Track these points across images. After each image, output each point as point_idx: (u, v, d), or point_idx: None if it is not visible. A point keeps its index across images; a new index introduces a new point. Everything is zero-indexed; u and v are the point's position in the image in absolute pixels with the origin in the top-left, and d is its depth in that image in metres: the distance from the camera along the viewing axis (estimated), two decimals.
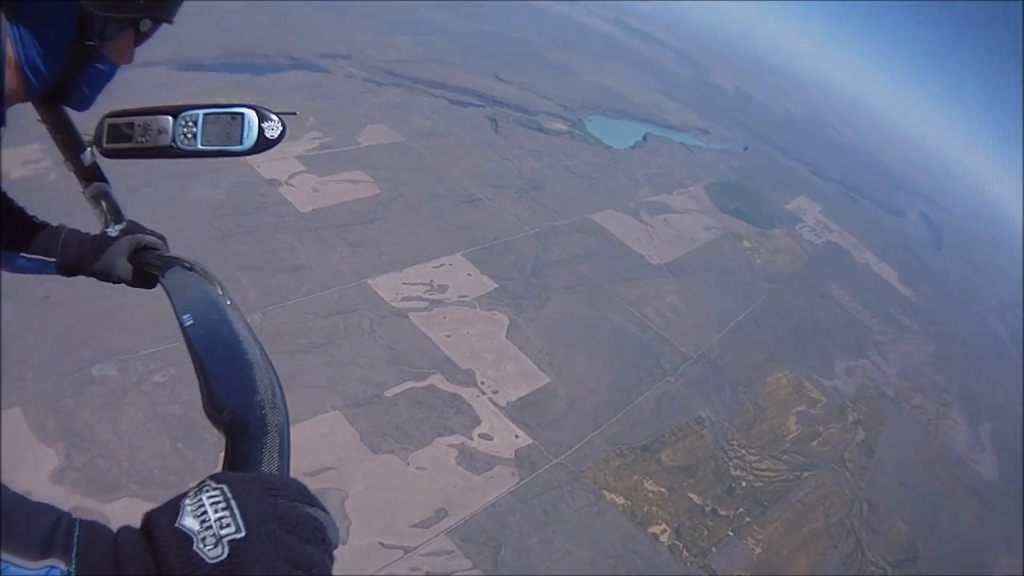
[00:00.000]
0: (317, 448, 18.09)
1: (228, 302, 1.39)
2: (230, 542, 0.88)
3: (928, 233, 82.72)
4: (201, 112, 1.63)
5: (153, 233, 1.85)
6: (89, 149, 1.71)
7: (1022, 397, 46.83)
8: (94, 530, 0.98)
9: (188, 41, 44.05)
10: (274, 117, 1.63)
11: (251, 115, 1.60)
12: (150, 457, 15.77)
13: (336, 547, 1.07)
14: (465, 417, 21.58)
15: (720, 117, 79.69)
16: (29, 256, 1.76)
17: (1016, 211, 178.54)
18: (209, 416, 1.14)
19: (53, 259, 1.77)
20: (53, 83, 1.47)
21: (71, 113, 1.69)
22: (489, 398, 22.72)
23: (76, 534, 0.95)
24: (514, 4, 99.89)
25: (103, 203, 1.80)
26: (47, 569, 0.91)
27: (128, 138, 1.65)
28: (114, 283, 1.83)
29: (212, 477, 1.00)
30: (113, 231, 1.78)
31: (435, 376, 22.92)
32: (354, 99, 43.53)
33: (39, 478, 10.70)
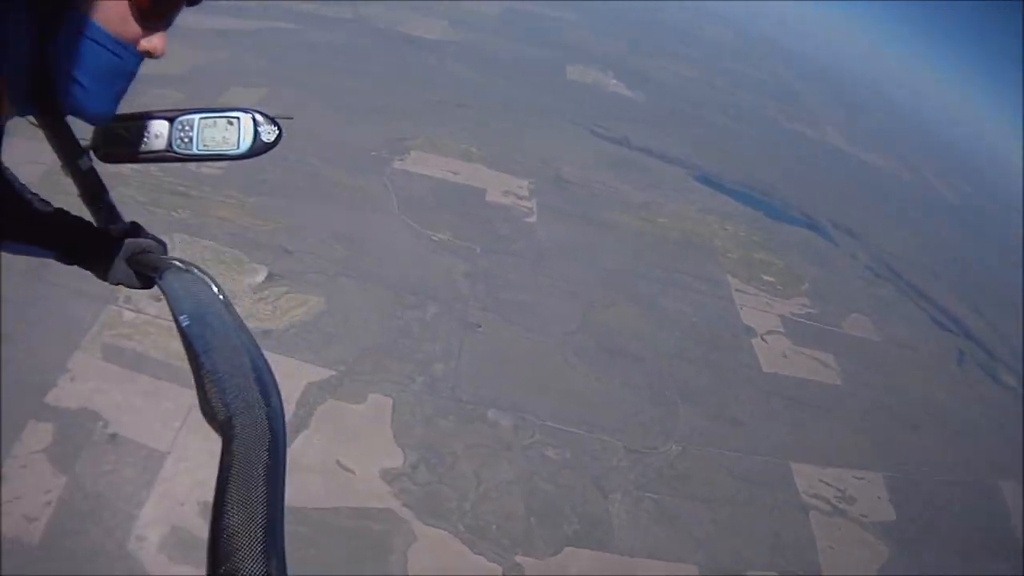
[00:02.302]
0: None
1: (224, 303, 1.41)
2: None
3: None
4: (197, 116, 1.67)
5: (153, 238, 1.86)
6: (87, 154, 1.72)
7: None
8: None
9: (713, 155, 46.10)
10: (270, 122, 1.66)
11: (247, 119, 1.63)
12: (496, 513, 16.20)
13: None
14: None
15: None
16: (25, 246, 1.77)
17: None
18: (205, 415, 1.13)
19: (50, 252, 1.79)
20: (24, 69, 1.21)
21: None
22: None
23: None
24: None
25: (102, 207, 1.82)
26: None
27: (125, 142, 1.71)
28: (111, 284, 1.85)
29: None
30: (115, 230, 1.82)
31: None
32: (850, 281, 42.61)
33: (371, 468, 11.09)
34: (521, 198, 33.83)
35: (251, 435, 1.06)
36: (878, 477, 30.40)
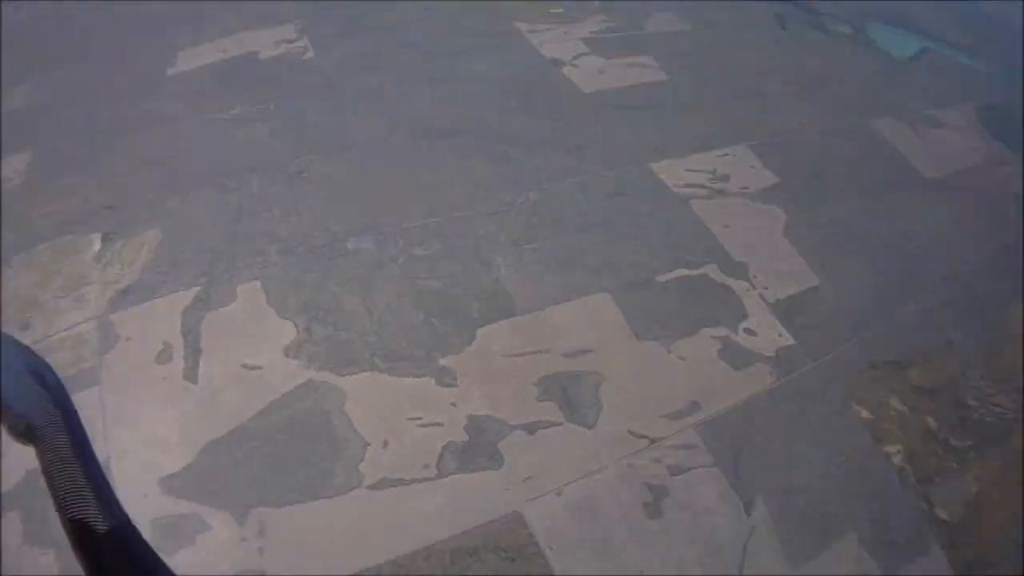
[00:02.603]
0: (581, 329, 19.94)
1: None
2: None
3: None
4: None
5: None
6: None
7: None
8: None
9: None
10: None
11: None
12: (400, 331, 16.53)
13: None
14: (733, 310, 22.17)
15: (992, 38, 68.97)
16: None
17: None
18: (12, 436, 1.06)
19: None
20: None
21: None
22: (759, 293, 23.25)
23: None
24: None
25: None
26: None
27: None
28: None
29: None
30: None
31: (710, 266, 23.65)
32: None
33: (272, 354, 10.44)
34: (292, 41, 30.81)
35: (53, 429, 1.09)
36: (743, 149, 33.55)
